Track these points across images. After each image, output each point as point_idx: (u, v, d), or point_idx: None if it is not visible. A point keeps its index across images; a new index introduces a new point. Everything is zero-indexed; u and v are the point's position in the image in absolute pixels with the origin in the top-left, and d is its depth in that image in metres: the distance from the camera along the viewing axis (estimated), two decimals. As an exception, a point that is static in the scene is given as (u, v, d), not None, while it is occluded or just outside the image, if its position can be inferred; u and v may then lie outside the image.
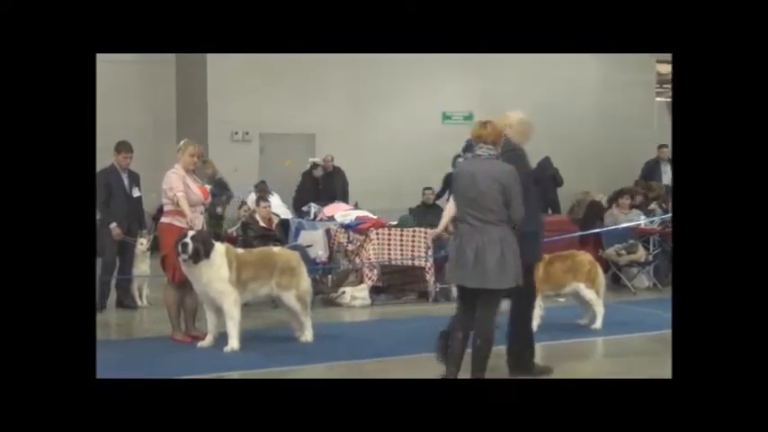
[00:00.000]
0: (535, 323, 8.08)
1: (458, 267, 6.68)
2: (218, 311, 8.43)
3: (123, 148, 10.96)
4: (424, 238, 11.64)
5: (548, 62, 18.08)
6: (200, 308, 8.79)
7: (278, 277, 8.67)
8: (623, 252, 12.33)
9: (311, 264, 10.89)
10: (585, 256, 9.75)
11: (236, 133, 18.34)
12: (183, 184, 8.64)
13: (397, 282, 11.87)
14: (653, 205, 13.88)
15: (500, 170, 6.59)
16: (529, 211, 6.79)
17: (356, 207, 13.95)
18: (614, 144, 20.22)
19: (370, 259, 11.64)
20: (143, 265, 11.09)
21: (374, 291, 11.54)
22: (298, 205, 15.77)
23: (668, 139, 14.31)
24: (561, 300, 10.05)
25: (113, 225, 10.71)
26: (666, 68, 20.95)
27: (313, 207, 14.05)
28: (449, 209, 6.97)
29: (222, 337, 8.38)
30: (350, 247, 11.91)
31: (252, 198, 13.88)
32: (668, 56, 11.92)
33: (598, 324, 9.45)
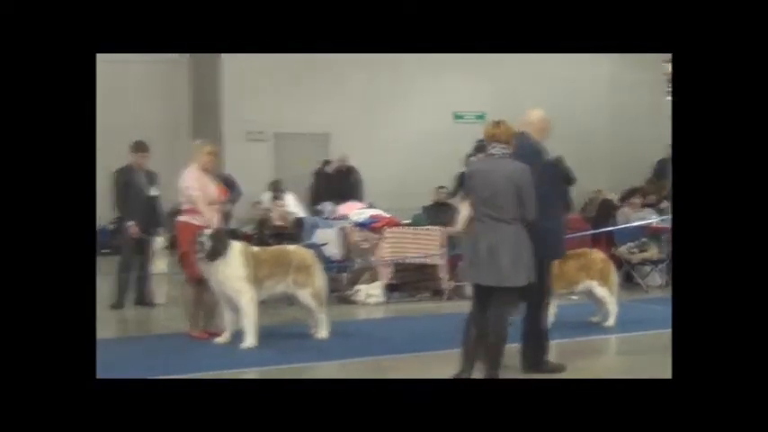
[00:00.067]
0: (548, 321, 8.13)
1: (472, 265, 6.74)
2: (235, 308, 8.50)
3: (140, 147, 11.09)
4: (438, 236, 11.74)
5: (559, 62, 18.10)
6: (217, 305, 8.86)
7: (293, 275, 8.75)
8: (636, 250, 12.41)
9: (326, 262, 10.95)
10: (598, 254, 9.81)
11: (251, 133, 18.45)
12: (199, 183, 8.73)
13: (411, 279, 11.95)
14: (665, 203, 13.92)
15: (513, 169, 6.66)
16: (549, 209, 6.86)
17: (371, 206, 14.02)
18: (625, 143, 20.22)
19: (384, 257, 11.73)
20: (161, 263, 11.20)
21: (388, 288, 11.64)
22: (312, 204, 15.87)
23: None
24: (574, 297, 10.11)
25: (131, 223, 10.84)
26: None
27: (327, 206, 14.14)
28: (464, 209, 7.03)
29: (239, 334, 8.46)
30: (364, 246, 11.99)
31: (267, 197, 13.98)
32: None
33: (611, 322, 9.52)
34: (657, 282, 12.71)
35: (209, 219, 8.63)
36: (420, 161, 18.49)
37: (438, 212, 13.78)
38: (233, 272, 8.40)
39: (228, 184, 14.43)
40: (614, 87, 20.66)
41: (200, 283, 8.76)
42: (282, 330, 9.31)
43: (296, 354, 8.22)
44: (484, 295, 6.77)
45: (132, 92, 18.90)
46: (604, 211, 13.94)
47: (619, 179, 17.74)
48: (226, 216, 13.65)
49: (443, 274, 11.68)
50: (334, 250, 12.06)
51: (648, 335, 9.11)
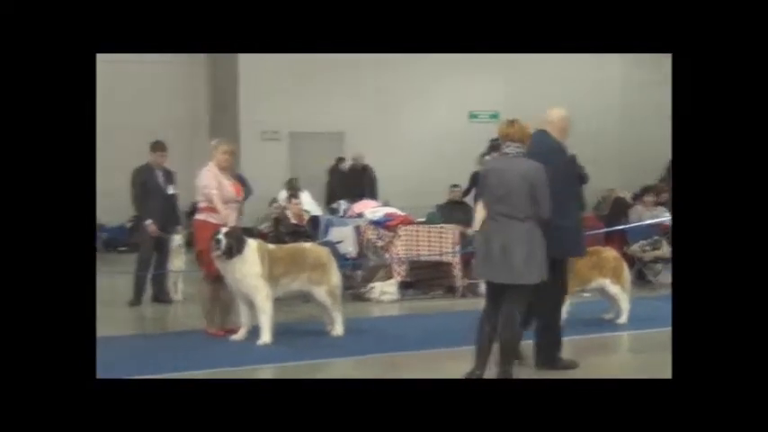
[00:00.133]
0: (562, 318, 8.20)
1: (485, 263, 6.78)
2: (252, 306, 8.56)
3: (158, 146, 11.18)
4: (452, 234, 11.82)
5: (572, 61, 18.17)
6: (234, 302, 8.93)
7: (309, 273, 8.82)
8: (648, 248, 12.46)
9: (341, 259, 11.00)
10: (611, 253, 9.86)
11: (266, 132, 18.57)
12: (216, 182, 8.79)
13: (425, 277, 12.01)
14: (678, 202, 13.93)
15: (527, 167, 6.70)
16: (567, 208, 6.92)
17: (385, 205, 14.10)
18: (637, 142, 20.26)
19: (398, 255, 11.81)
20: (178, 261, 11.29)
21: (403, 286, 11.72)
22: (328, 202, 15.97)
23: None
24: (586, 295, 10.16)
25: (149, 222, 10.93)
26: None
27: (342, 204, 14.22)
28: (480, 210, 7.03)
29: (255, 331, 8.52)
30: (379, 243, 12.07)
31: (283, 195, 14.09)
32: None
33: (623, 319, 9.58)
34: (669, 279, 12.71)
35: (226, 217, 8.69)
36: (434, 160, 18.58)
37: (452, 211, 13.85)
38: (249, 269, 8.47)
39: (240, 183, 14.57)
40: (626, 87, 20.70)
41: (216, 280, 8.82)
42: (298, 327, 9.39)
43: (311, 350, 8.29)
44: (497, 293, 6.81)
45: (152, 92, 19.07)
46: (617, 209, 13.99)
47: (631, 178, 17.81)
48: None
49: (457, 272, 11.77)
50: (349, 248, 12.12)
51: (660, 332, 9.12)
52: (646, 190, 13.64)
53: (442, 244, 11.85)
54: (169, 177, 11.21)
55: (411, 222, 12.24)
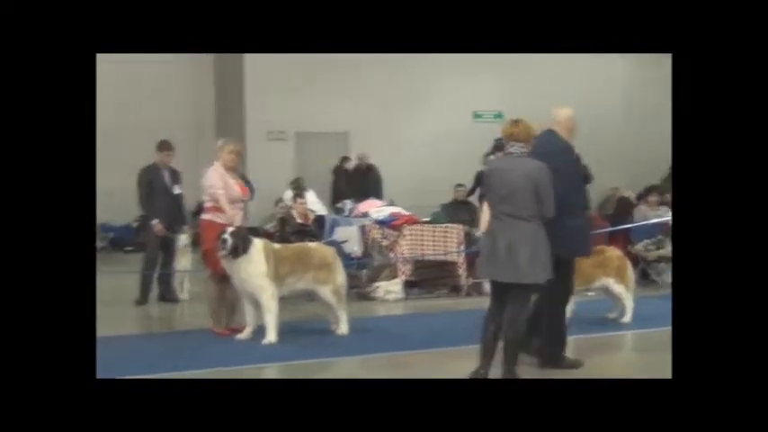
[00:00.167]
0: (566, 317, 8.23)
1: (490, 262, 6.79)
2: (257, 305, 8.59)
3: (164, 146, 11.21)
4: (456, 233, 11.86)
5: (576, 61, 18.21)
6: (239, 301, 8.97)
7: (314, 272, 8.84)
8: (652, 247, 12.48)
9: (346, 259, 11.02)
10: (615, 252, 9.88)
11: (272, 132, 18.62)
12: (222, 182, 8.81)
13: (429, 276, 12.06)
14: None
15: (532, 167, 6.71)
16: (573, 207, 6.95)
17: (390, 204, 14.15)
18: (640, 141, 20.29)
19: (403, 254, 11.85)
20: (184, 260, 11.32)
21: (407, 285, 11.75)
22: (333, 202, 16.03)
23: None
24: (590, 294, 10.19)
25: (155, 221, 10.96)
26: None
27: (348, 203, 14.27)
28: (486, 211, 7.03)
29: (260, 330, 8.56)
30: (384, 243, 12.11)
31: (288, 195, 14.14)
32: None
33: (627, 318, 9.61)
34: (673, 278, 12.75)
35: (232, 217, 8.73)
36: (439, 160, 18.63)
37: (457, 210, 13.91)
38: (255, 269, 8.49)
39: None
40: (630, 86, 20.73)
41: (222, 279, 8.85)
42: (303, 326, 9.42)
43: (316, 349, 8.32)
44: (502, 292, 6.83)
45: (158, 92, 19.13)
46: (622, 208, 14.03)
47: (634, 177, 17.84)
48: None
49: (462, 271, 11.80)
50: (354, 247, 12.16)
51: (664, 331, 9.12)
52: (650, 190, 13.67)
53: (447, 243, 11.89)
54: (175, 177, 11.22)
55: (416, 222, 12.28)
